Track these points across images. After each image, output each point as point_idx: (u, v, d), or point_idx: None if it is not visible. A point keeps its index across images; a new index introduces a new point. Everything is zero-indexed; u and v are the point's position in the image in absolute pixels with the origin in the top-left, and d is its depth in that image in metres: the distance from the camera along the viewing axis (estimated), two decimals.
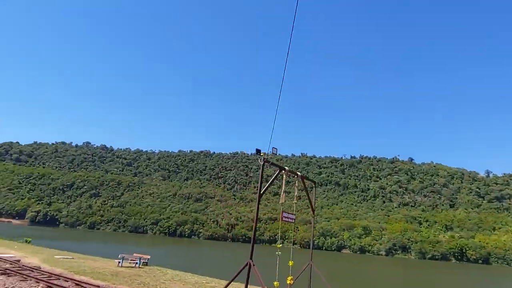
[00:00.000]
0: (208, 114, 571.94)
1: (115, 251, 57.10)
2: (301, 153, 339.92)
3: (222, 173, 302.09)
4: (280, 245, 16.10)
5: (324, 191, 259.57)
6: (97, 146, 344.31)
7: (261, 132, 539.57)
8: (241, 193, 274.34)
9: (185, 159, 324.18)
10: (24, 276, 15.76)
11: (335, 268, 73.91)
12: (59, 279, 16.30)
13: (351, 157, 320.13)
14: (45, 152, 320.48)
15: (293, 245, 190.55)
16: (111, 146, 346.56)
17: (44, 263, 22.99)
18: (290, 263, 15.24)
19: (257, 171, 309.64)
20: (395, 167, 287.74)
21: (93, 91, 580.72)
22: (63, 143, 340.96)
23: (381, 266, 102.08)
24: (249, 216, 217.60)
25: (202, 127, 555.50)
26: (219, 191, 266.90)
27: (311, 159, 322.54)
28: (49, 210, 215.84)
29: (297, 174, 16.68)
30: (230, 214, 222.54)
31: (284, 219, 15.09)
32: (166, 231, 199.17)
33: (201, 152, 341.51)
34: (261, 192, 14.44)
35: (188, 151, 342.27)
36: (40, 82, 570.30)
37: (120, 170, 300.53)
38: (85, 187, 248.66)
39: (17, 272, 16.37)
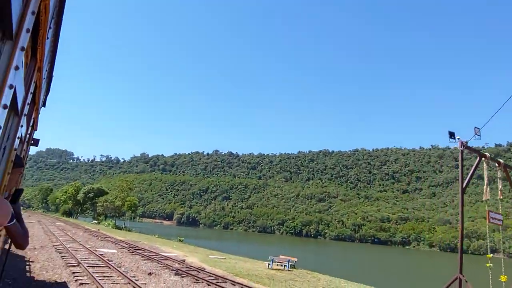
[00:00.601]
0: (324, 113, 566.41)
1: (252, 250, 59.62)
2: (431, 145, 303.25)
3: (343, 172, 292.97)
4: (491, 255, 12.52)
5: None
6: (224, 153, 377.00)
7: (379, 128, 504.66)
8: (365, 191, 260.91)
9: (305, 160, 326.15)
10: (195, 277, 16.28)
11: None
12: (226, 282, 16.40)
13: (496, 145, 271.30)
14: (183, 162, 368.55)
15: (430, 248, 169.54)
16: (236, 152, 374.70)
17: (203, 263, 24.22)
18: (503, 278, 11.62)
19: (380, 167, 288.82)
20: None
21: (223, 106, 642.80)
22: (197, 152, 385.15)
23: None
24: (376, 216, 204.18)
25: (319, 126, 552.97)
26: (341, 190, 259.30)
27: (444, 151, 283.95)
28: (191, 212, 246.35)
29: (499, 161, 12.89)
30: (355, 213, 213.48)
31: (491, 220, 11.66)
32: (292, 231, 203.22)
33: (320, 151, 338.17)
34: (464, 186, 11.38)
35: (307, 152, 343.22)
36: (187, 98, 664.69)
37: (246, 174, 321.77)
38: (217, 191, 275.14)
39: (187, 273, 17.11)
